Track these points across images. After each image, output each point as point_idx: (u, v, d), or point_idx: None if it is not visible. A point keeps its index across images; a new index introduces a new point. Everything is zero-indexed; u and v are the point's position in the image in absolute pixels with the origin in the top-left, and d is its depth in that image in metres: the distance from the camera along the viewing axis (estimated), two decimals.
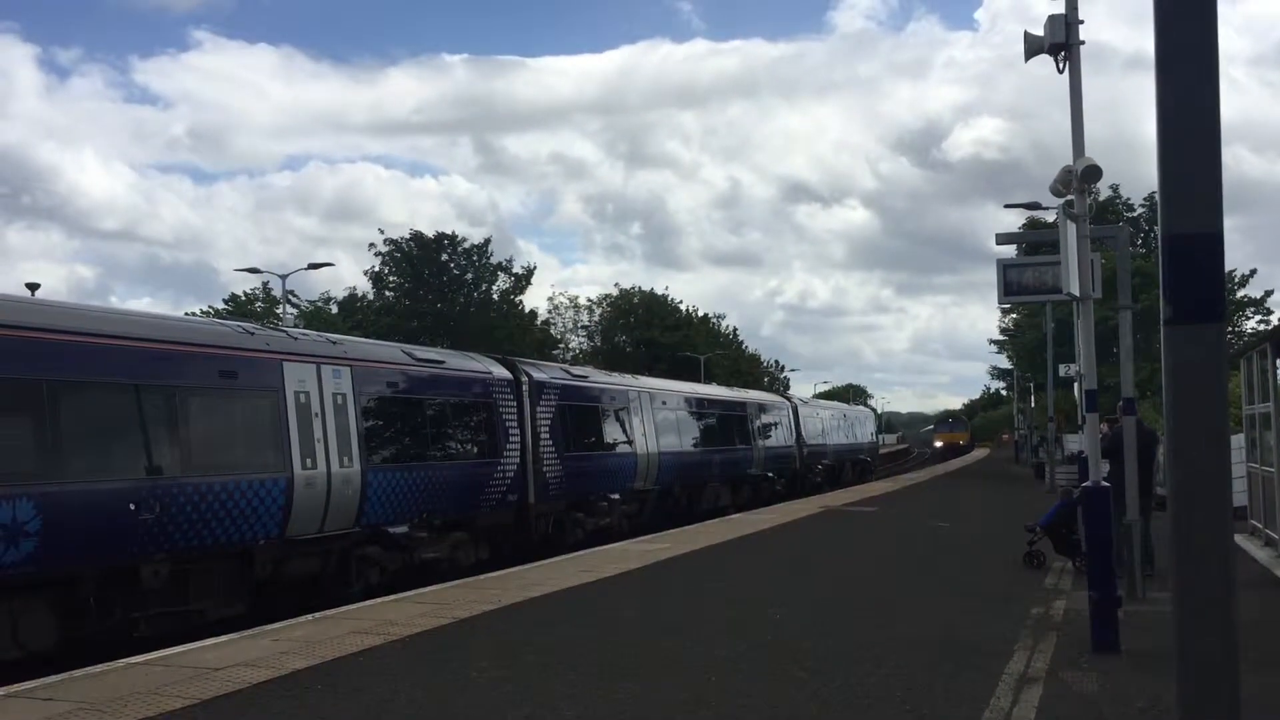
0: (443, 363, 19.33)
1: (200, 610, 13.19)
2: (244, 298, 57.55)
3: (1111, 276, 14.02)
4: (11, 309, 11.71)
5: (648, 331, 74.10)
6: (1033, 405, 64.02)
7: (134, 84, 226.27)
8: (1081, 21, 10.40)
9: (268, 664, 9.54)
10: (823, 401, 60.60)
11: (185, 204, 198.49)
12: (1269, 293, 51.95)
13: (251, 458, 14.04)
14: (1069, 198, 10.65)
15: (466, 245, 60.51)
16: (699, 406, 32.49)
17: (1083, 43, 10.45)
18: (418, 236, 59.71)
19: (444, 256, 59.69)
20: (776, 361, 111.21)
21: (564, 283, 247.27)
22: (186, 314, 41.84)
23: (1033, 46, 10.56)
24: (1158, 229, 3.95)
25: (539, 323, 68.25)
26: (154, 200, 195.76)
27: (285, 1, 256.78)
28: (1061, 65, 10.48)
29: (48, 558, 11.10)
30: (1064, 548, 15.35)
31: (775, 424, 39.76)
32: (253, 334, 15.02)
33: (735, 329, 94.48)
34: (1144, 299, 26.86)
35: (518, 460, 20.34)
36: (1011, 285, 13.38)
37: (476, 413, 19.69)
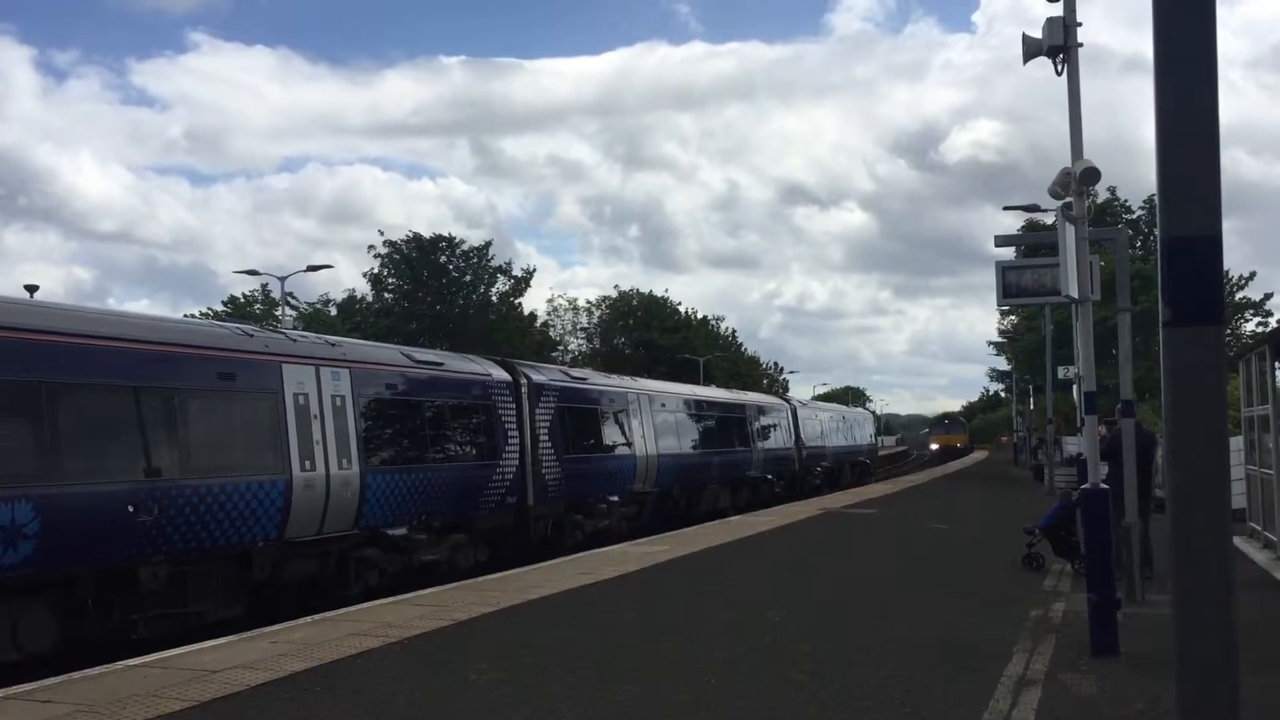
0: (442, 365, 19.33)
1: (199, 612, 13.18)
2: (243, 300, 57.62)
3: (1110, 279, 14.03)
4: (10, 311, 11.71)
5: (647, 333, 74.10)
6: (1031, 407, 64.05)
7: (131, 86, 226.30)
8: (1080, 24, 10.41)
9: (266, 666, 9.53)
10: (821, 404, 60.61)
11: (183, 206, 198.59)
12: (1268, 295, 52.11)
13: (250, 460, 14.03)
14: (1067, 200, 10.66)
15: (466, 247, 60.59)
16: (698, 409, 32.49)
17: (1081, 45, 10.45)
18: (417, 239, 59.75)
19: (443, 259, 59.71)
20: (776, 363, 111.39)
21: (562, 285, 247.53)
22: (185, 316, 41.86)
23: (1031, 49, 10.57)
24: (1157, 231, 3.95)
25: (538, 325, 68.28)
26: (151, 202, 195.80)
27: (282, 3, 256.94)
28: (1060, 68, 10.48)
29: (46, 560, 11.10)
30: (1063, 550, 15.35)
31: (774, 426, 39.76)
32: (252, 336, 15.01)
33: (734, 331, 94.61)
34: (1143, 301, 26.89)
35: (517, 462, 20.33)
36: (1010, 287, 13.41)
37: (475, 415, 19.68)
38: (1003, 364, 76.01)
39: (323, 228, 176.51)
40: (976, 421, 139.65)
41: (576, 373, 27.15)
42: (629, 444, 26.06)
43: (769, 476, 36.85)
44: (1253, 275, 52.22)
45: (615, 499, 24.34)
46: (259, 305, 56.87)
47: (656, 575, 15.86)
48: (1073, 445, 33.16)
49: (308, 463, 14.64)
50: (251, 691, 8.65)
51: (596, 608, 12.87)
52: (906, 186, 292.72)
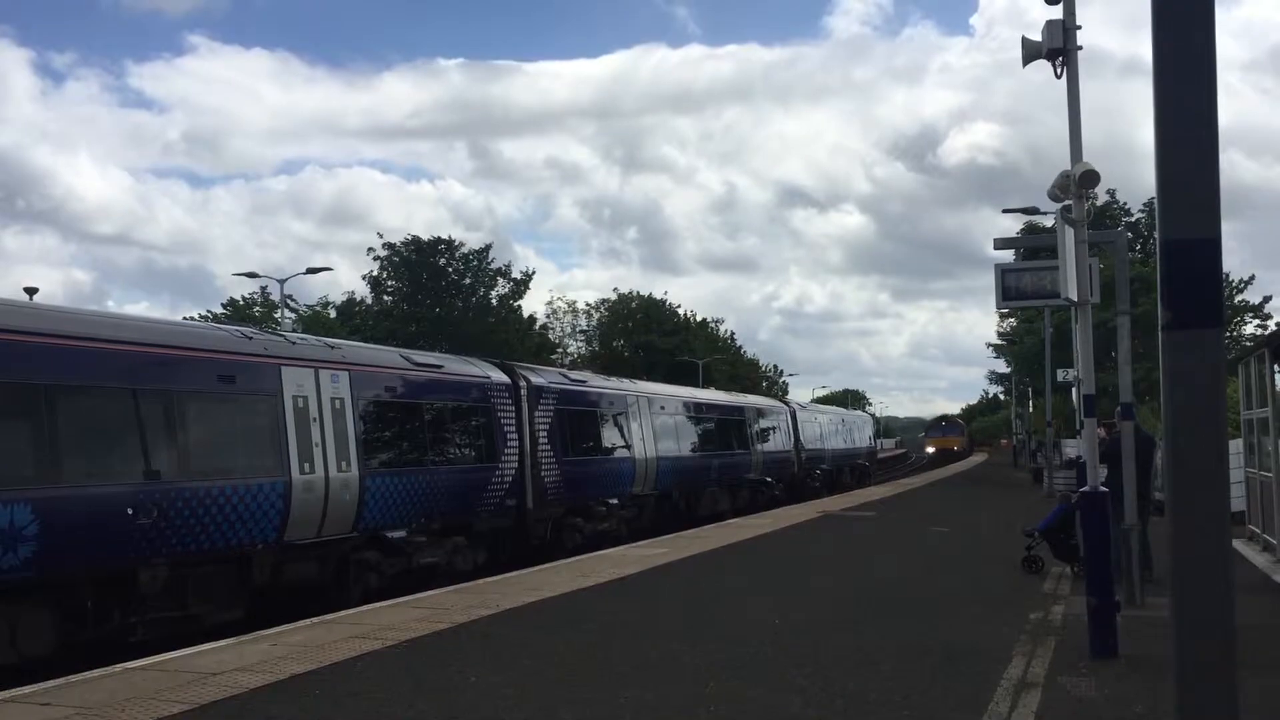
0: (441, 367, 19.33)
1: (198, 615, 13.17)
2: (242, 302, 57.68)
3: (1110, 281, 14.03)
4: (9, 313, 11.72)
5: (646, 336, 74.11)
6: (1031, 410, 64.07)
7: (129, 88, 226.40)
8: (1079, 27, 10.42)
9: (265, 669, 9.53)
10: (821, 406, 60.65)
11: (181, 208, 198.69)
12: (1267, 298, 52.12)
13: (250, 462, 14.03)
14: (1067, 203, 10.66)
15: (465, 250, 60.62)
16: (697, 411, 32.49)
17: (1080, 48, 10.46)
18: (416, 241, 59.77)
19: (442, 261, 59.74)
20: (775, 366, 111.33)
21: (561, 287, 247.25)
22: (184, 318, 41.86)
23: (1031, 52, 10.57)
24: (1156, 234, 3.95)
25: (537, 327, 68.30)
26: (150, 204, 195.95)
27: (280, 6, 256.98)
28: (1060, 71, 10.48)
29: (46, 562, 11.09)
30: (1062, 553, 15.35)
31: (773, 429, 39.76)
32: (251, 339, 15.00)
33: (733, 334, 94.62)
34: (1143, 304, 26.92)
35: (516, 465, 20.33)
36: (1010, 290, 13.40)
37: (475, 417, 19.68)
38: (1002, 367, 76.07)
39: (321, 230, 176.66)
40: (976, 424, 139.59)
41: (576, 375, 27.15)
42: (628, 446, 26.07)
43: (768, 479, 36.85)
44: (1252, 278, 52.28)
45: (614, 501, 24.34)
46: (258, 308, 56.93)
47: (656, 578, 15.86)
48: (1072, 448, 33.17)
49: (307, 465, 14.63)
50: (251, 694, 8.65)
51: (596, 610, 12.86)
52: (905, 189, 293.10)
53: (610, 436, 25.60)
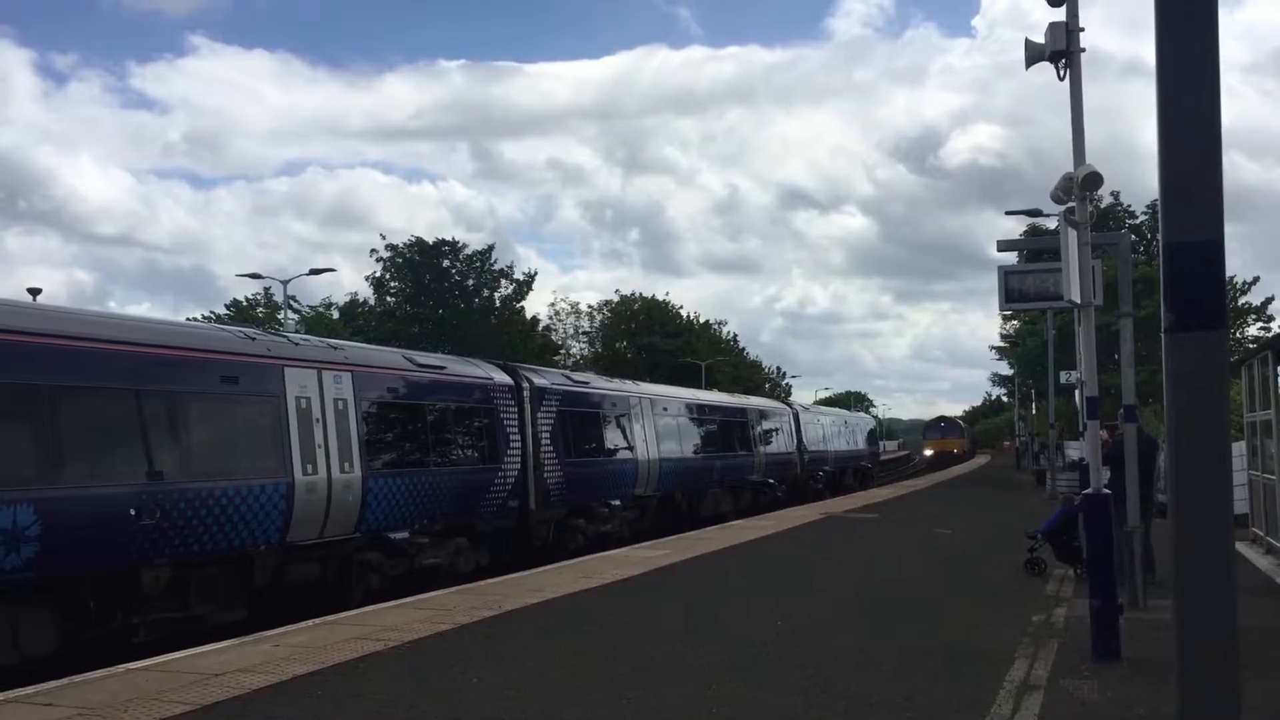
0: (444, 368, 19.34)
1: (200, 615, 13.18)
2: (246, 303, 57.72)
3: (1113, 283, 14.00)
4: (12, 314, 11.73)
5: (649, 337, 74.07)
6: (1034, 412, 64.02)
7: (131, 89, 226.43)
8: (1082, 29, 10.41)
9: (268, 669, 9.53)
10: (823, 408, 60.65)
11: (183, 209, 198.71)
12: (1270, 299, 52.05)
13: (252, 463, 14.04)
14: (1070, 205, 10.65)
15: (468, 251, 60.64)
16: (700, 413, 32.49)
17: (1083, 50, 10.45)
18: (419, 242, 59.80)
19: (445, 263, 59.75)
20: (778, 368, 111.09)
21: (563, 288, 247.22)
22: (187, 319, 41.89)
23: (1033, 54, 10.56)
24: (1159, 236, 3.95)
25: (540, 329, 68.29)
26: (152, 205, 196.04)
27: (281, 7, 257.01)
28: (1062, 73, 10.48)
29: (48, 563, 11.10)
30: (1065, 555, 15.33)
31: (776, 430, 39.75)
32: (254, 339, 15.01)
33: (735, 335, 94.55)
34: (1146, 306, 26.89)
35: (519, 466, 20.34)
36: (1012, 292, 13.41)
37: (478, 418, 19.69)
38: (1005, 369, 76.07)
39: (323, 231, 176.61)
40: (979, 426, 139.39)
41: (578, 377, 27.14)
42: (631, 448, 26.06)
43: (771, 481, 36.83)
44: (1255, 280, 52.22)
45: (617, 503, 24.34)
46: (261, 309, 56.97)
47: (658, 579, 15.85)
48: (1074, 450, 33.14)
49: (310, 466, 14.64)
50: (253, 695, 8.65)
51: (598, 611, 12.86)
52: (906, 191, 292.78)
53: (613, 438, 25.60)
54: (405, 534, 16.61)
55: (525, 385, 21.32)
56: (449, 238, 61.59)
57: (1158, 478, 14.93)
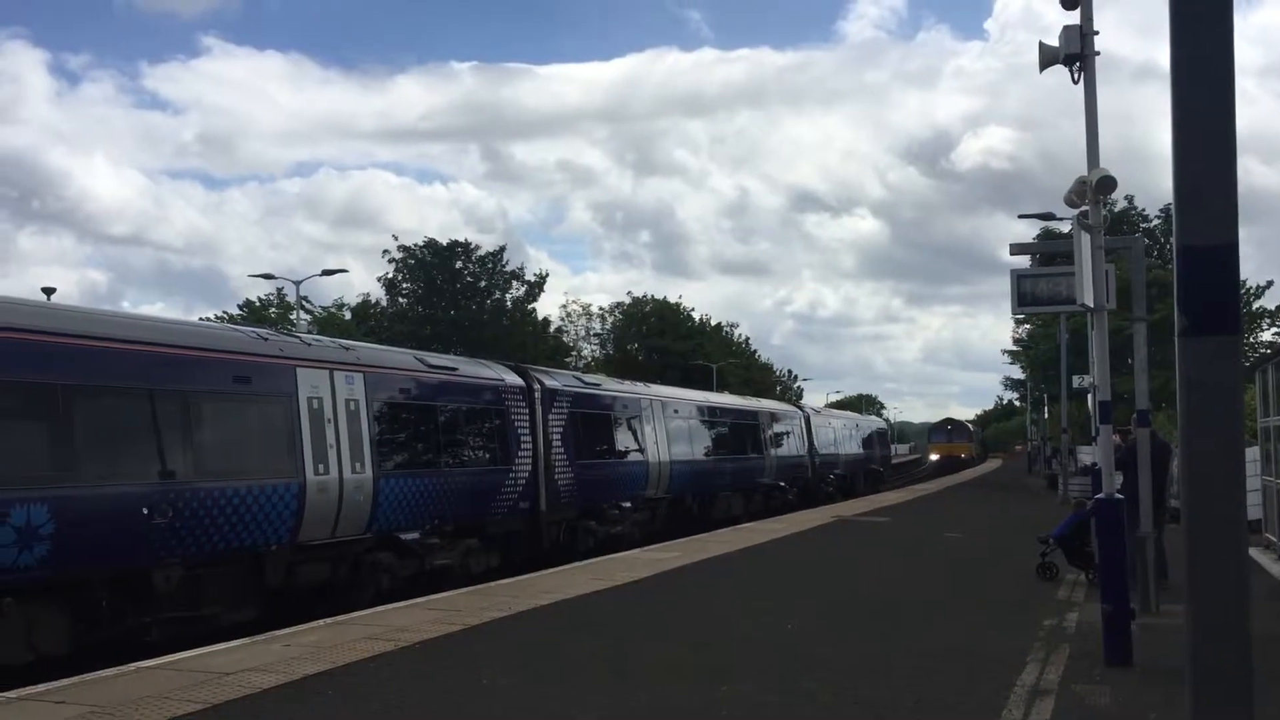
0: (455, 370, 19.37)
1: (212, 615, 13.21)
2: (258, 303, 57.92)
3: (1126, 286, 13.94)
4: (27, 313, 11.79)
5: (660, 340, 74.10)
6: (1046, 416, 63.82)
7: (144, 90, 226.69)
8: (1096, 32, 10.38)
9: (279, 669, 9.56)
10: (834, 411, 60.55)
11: (195, 209, 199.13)
12: None
13: (264, 463, 14.08)
14: (1083, 208, 10.62)
15: (481, 253, 60.73)
16: (711, 415, 32.47)
17: (1098, 53, 10.42)
18: (431, 244, 59.91)
19: (458, 264, 59.86)
20: (789, 371, 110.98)
21: (574, 290, 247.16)
22: (200, 319, 42.06)
23: (1047, 57, 10.53)
24: (1173, 240, 3.93)
25: (552, 330, 68.35)
26: (164, 205, 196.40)
27: (293, 8, 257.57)
28: (1076, 76, 10.44)
29: (61, 561, 11.15)
30: (1077, 560, 15.29)
31: (787, 433, 39.71)
32: (266, 340, 15.06)
33: (747, 338, 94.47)
34: (1160, 309, 26.78)
35: (529, 467, 20.36)
36: (1025, 296, 13.35)
37: (489, 420, 19.71)
38: (1017, 372, 75.79)
39: (334, 232, 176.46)
40: (991, 430, 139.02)
41: (589, 378, 27.17)
42: (641, 450, 26.06)
43: (782, 484, 36.80)
44: (1269, 284, 51.94)
45: (628, 505, 24.34)
46: (274, 309, 57.15)
47: (668, 581, 15.85)
48: (1087, 454, 33.05)
49: (321, 466, 14.68)
50: (263, 694, 8.68)
51: (608, 613, 12.86)
52: (918, 194, 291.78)
53: (623, 440, 25.60)
54: (416, 535, 16.64)
55: (536, 387, 21.34)
56: (461, 239, 61.68)
57: (1171, 482, 14.86)
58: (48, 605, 11.34)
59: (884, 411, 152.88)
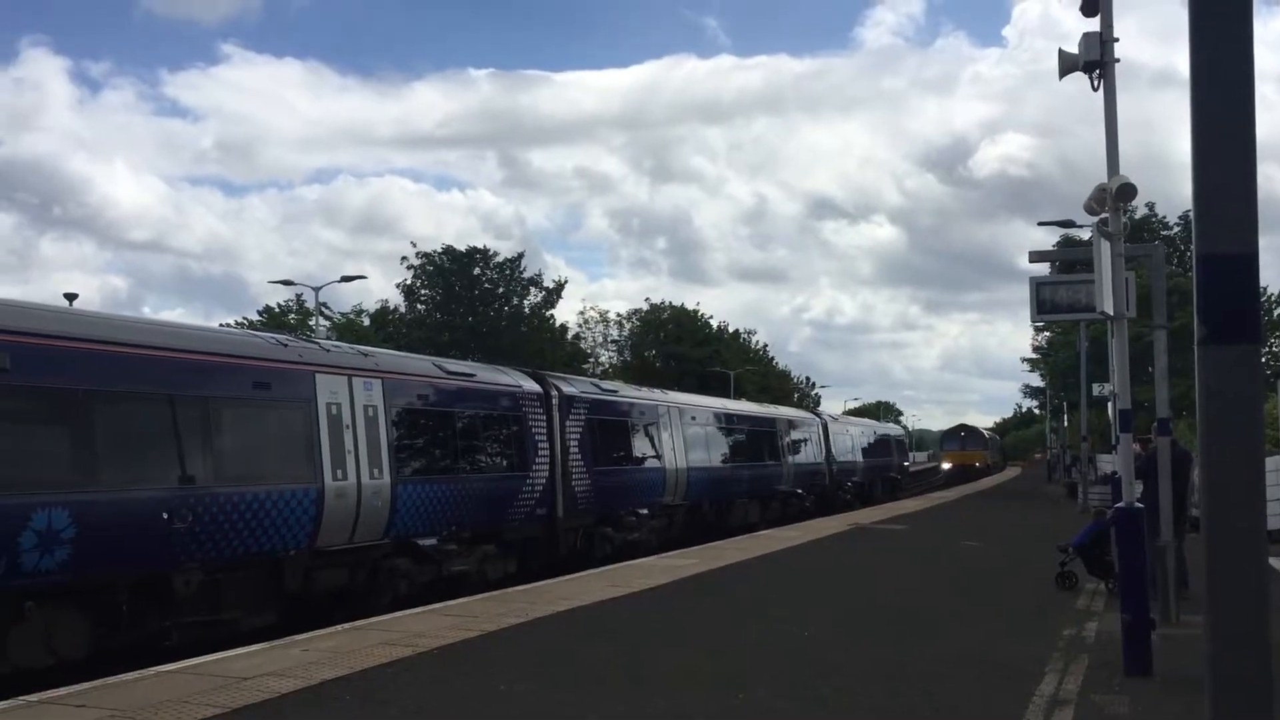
0: (473, 376, 19.42)
1: (231, 619, 13.27)
2: (278, 310, 58.17)
3: (1146, 294, 13.87)
4: (49, 319, 11.89)
5: (678, 346, 74.12)
6: (1065, 424, 63.48)
7: (164, 97, 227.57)
8: (1116, 39, 10.34)
9: (297, 674, 9.59)
10: (852, 419, 60.37)
11: (215, 216, 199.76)
12: None
13: (283, 468, 14.14)
14: (1103, 215, 10.58)
15: (499, 260, 60.88)
16: (728, 422, 32.44)
17: (1118, 60, 10.38)
18: (450, 250, 60.09)
19: (476, 270, 60.02)
20: (807, 378, 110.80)
21: (591, 297, 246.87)
22: (220, 325, 42.29)
23: (1067, 64, 10.49)
24: (1192, 248, 3.92)
25: (569, 337, 68.44)
26: (184, 212, 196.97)
27: (311, 16, 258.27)
28: (1096, 83, 10.40)
29: (82, 566, 11.22)
30: (1097, 569, 15.20)
31: (805, 440, 39.63)
32: (286, 346, 15.14)
33: (764, 345, 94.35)
34: (1180, 316, 26.60)
35: (547, 474, 20.38)
36: (1044, 303, 13.31)
37: (506, 426, 19.75)
38: (1036, 380, 75.42)
39: (352, 238, 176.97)
40: (1010, 438, 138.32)
41: (607, 385, 27.19)
42: (659, 457, 26.05)
43: (799, 491, 36.73)
44: None
45: (645, 512, 24.32)
46: (293, 315, 57.39)
47: (685, 589, 15.83)
48: (1107, 463, 32.85)
49: (339, 472, 14.73)
50: (281, 699, 8.71)
51: (625, 620, 12.86)
52: (936, 201, 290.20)
53: (641, 446, 25.60)
54: (433, 541, 16.68)
55: (554, 393, 21.37)
56: (479, 245, 61.83)
57: (1191, 491, 14.75)
58: (68, 609, 11.42)
59: (902, 419, 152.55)
